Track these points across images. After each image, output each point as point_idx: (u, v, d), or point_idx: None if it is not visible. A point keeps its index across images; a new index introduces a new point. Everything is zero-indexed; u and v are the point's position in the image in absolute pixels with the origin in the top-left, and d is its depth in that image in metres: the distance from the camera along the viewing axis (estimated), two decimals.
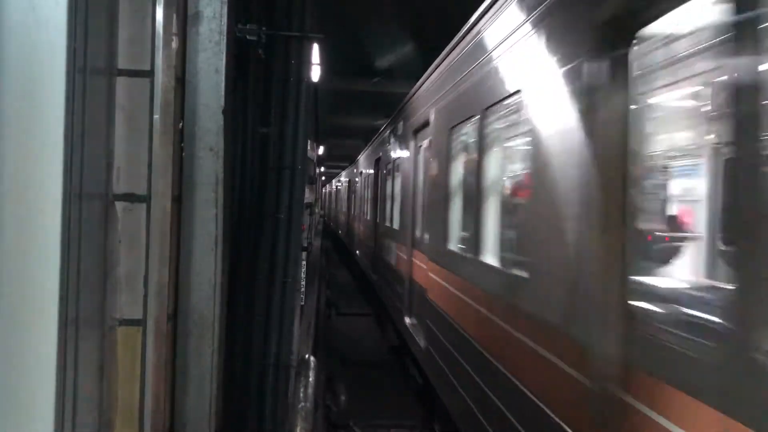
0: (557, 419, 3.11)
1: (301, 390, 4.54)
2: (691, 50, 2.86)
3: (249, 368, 3.60)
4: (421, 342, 7.00)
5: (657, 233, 3.34)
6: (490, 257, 4.62)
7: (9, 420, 1.74)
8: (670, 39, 2.82)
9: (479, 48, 5.01)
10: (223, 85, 2.95)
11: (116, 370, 2.29)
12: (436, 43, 7.23)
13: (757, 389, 1.83)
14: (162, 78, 2.38)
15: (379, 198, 13.36)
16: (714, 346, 2.10)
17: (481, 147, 4.87)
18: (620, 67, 2.62)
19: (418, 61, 12.65)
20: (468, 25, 5.38)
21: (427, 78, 7.50)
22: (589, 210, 2.86)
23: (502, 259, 4.36)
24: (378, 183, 13.71)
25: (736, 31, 2.00)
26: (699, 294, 3.11)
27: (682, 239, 3.56)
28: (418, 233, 7.97)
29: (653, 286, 2.91)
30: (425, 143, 7.62)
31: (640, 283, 2.68)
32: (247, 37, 3.58)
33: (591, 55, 2.86)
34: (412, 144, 8.61)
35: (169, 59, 2.50)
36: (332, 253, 27.04)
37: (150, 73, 2.34)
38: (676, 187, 3.63)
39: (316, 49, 5.48)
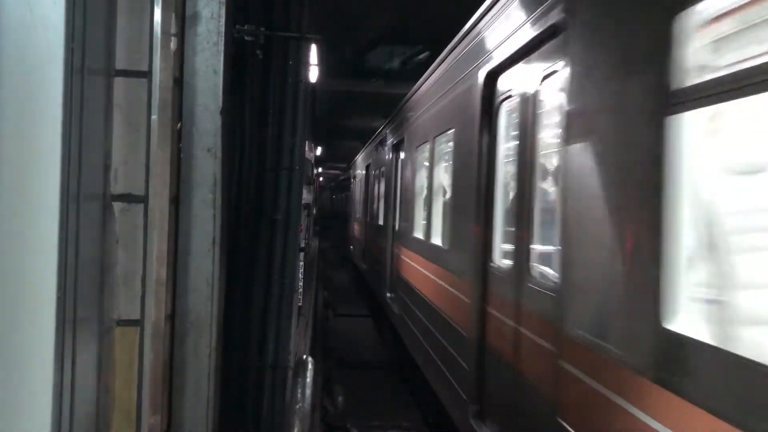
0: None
1: (299, 391, 4.53)
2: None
3: (246, 369, 3.60)
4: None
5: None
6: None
7: (7, 420, 1.74)
8: None
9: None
10: (221, 85, 2.95)
11: (114, 370, 2.29)
12: (435, 43, 7.25)
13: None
14: (160, 78, 2.38)
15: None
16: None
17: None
18: None
19: (417, 62, 12.68)
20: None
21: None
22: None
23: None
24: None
25: None
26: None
27: None
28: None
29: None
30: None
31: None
32: (245, 37, 3.58)
33: None
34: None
35: (167, 60, 2.50)
36: (329, 253, 26.99)
37: (148, 74, 2.34)
38: None
39: (314, 50, 5.48)
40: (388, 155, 10.96)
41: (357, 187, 20.14)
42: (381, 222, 11.79)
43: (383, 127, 12.10)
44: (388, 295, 10.27)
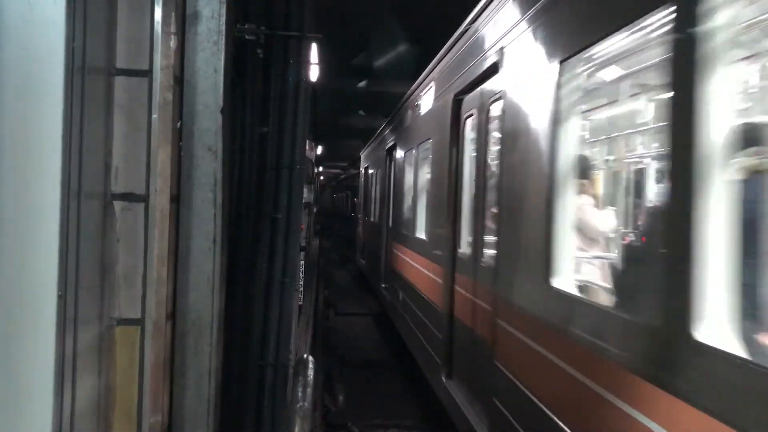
0: None
1: (299, 390, 4.53)
2: None
3: (247, 368, 3.60)
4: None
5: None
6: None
7: (8, 418, 1.74)
8: None
9: None
10: (221, 84, 2.95)
11: (114, 369, 2.29)
12: (435, 42, 7.24)
13: None
14: (160, 77, 2.38)
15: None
16: None
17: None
18: None
19: (417, 61, 12.68)
20: None
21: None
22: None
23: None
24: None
25: None
26: None
27: None
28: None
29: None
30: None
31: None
32: (246, 36, 3.58)
33: None
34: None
35: (167, 59, 2.50)
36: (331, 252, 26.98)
37: (148, 73, 2.35)
38: None
39: (314, 48, 5.48)
40: (437, 122, 6.33)
41: (369, 184, 14.23)
42: (422, 235, 7.01)
43: (423, 80, 7.52)
44: (447, 380, 5.51)
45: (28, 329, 1.75)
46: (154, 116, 2.36)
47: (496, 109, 4.36)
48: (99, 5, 2.09)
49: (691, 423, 1.91)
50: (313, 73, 6.25)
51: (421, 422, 7.55)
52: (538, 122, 3.41)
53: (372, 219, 13.32)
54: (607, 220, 3.81)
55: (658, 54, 2.56)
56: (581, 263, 3.38)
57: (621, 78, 3.21)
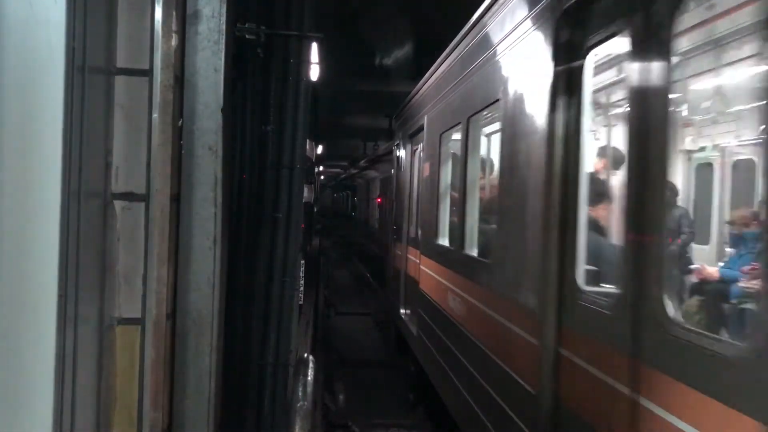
0: None
1: (300, 389, 4.53)
2: None
3: (247, 367, 3.60)
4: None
5: None
6: None
7: (8, 418, 1.74)
8: None
9: None
10: (222, 84, 2.95)
11: (115, 368, 2.29)
12: (437, 41, 7.24)
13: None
14: (161, 77, 2.38)
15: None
16: None
17: None
18: None
19: (418, 60, 12.67)
20: None
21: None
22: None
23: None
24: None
25: None
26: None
27: None
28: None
29: None
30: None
31: None
32: (246, 36, 3.58)
33: None
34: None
35: (167, 58, 2.50)
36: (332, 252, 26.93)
37: (149, 72, 2.35)
38: None
39: (315, 48, 5.48)
40: None
41: (431, 160, 6.77)
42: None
43: None
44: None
45: (29, 329, 1.75)
46: (155, 116, 2.36)
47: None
48: (99, 5, 2.09)
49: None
50: (313, 73, 6.23)
51: (421, 421, 7.56)
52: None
53: (448, 244, 5.92)
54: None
55: None
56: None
57: None
